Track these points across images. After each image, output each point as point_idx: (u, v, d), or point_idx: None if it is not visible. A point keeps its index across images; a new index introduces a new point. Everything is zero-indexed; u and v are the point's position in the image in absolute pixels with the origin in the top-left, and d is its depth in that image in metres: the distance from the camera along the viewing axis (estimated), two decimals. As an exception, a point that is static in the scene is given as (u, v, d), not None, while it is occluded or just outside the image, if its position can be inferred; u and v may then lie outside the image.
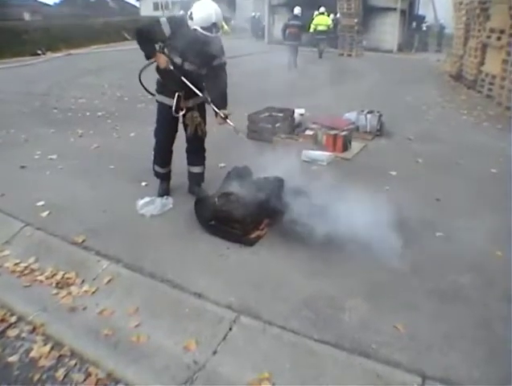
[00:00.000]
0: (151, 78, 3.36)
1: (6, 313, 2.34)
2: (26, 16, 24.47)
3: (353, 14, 15.57)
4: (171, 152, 3.51)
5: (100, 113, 6.58)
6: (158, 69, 3.20)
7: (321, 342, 2.04)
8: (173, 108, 3.20)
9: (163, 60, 3.07)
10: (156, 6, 29.25)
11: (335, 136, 4.81)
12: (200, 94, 3.20)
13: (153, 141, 3.49)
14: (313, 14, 14.90)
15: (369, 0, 17.21)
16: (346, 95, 7.99)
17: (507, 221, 3.08)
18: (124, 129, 5.62)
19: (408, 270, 2.57)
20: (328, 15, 14.66)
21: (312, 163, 4.37)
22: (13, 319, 2.30)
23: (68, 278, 2.56)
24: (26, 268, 2.65)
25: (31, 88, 8.33)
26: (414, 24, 18.89)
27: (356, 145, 5.03)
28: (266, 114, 5.41)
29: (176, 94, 3.17)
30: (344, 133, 4.90)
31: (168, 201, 3.38)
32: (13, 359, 2.06)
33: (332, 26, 14.70)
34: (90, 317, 2.28)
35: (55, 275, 2.58)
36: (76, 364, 2.03)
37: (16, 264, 2.69)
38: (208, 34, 2.91)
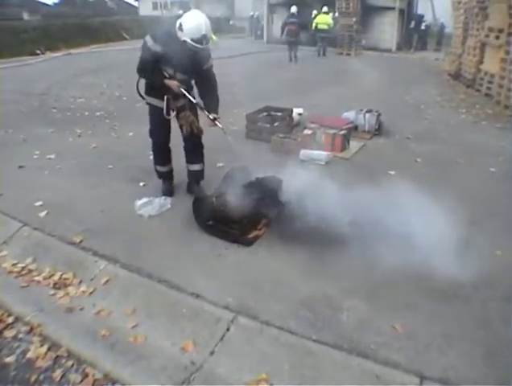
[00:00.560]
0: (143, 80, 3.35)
1: (3, 313, 2.33)
2: (25, 16, 24.43)
3: (351, 13, 15.57)
4: (169, 150, 3.54)
5: (98, 113, 6.57)
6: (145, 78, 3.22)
7: (319, 342, 2.04)
8: (164, 111, 3.22)
9: (173, 85, 3.11)
10: (155, 6, 29.26)
11: (333, 135, 4.80)
12: (194, 100, 3.22)
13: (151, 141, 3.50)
14: (312, 13, 14.98)
15: (367, -1, 17.23)
16: (345, 94, 7.98)
17: (507, 221, 3.06)
18: (122, 129, 5.62)
19: (408, 270, 2.55)
20: (328, 14, 14.69)
21: (311, 163, 4.35)
22: (10, 320, 2.29)
23: (65, 279, 2.55)
24: (23, 268, 2.65)
25: (30, 88, 8.31)
26: (412, 23, 18.84)
27: (354, 145, 5.02)
28: (265, 114, 5.39)
29: (165, 96, 3.19)
30: (342, 132, 4.88)
31: (166, 201, 3.37)
32: (10, 359, 2.06)
33: (332, 25, 14.73)
34: (87, 317, 2.28)
35: (52, 275, 2.58)
36: (73, 365, 2.03)
37: (14, 264, 2.68)
38: (198, 46, 2.90)
